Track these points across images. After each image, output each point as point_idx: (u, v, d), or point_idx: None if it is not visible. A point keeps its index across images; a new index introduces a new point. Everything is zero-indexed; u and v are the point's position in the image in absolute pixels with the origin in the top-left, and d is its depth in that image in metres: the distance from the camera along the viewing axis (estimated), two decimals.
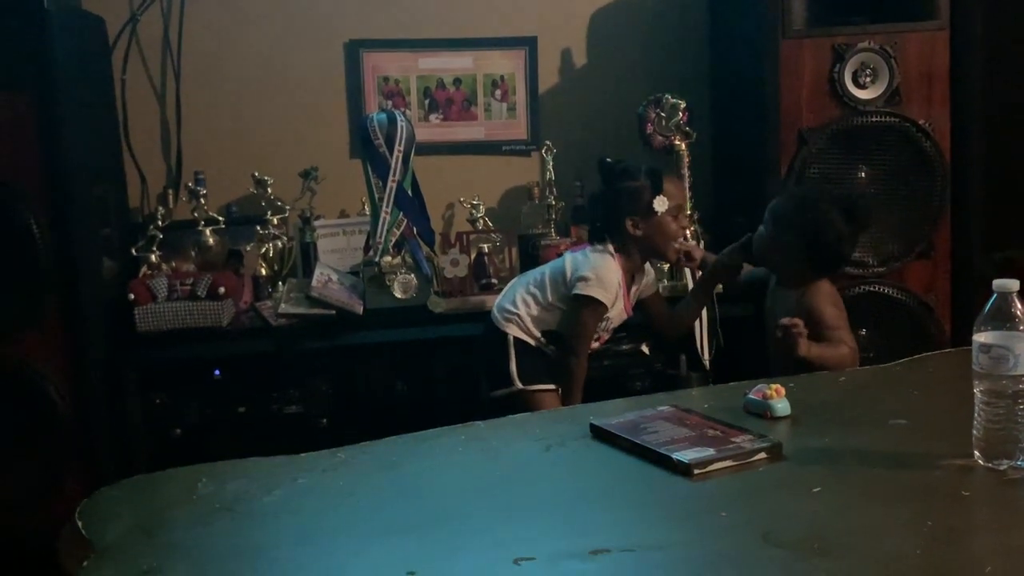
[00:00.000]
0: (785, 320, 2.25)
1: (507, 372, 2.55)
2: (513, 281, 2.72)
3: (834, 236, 2.37)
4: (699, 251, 2.69)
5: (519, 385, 2.54)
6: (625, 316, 2.64)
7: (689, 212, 2.89)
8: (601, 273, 2.51)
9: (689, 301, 2.73)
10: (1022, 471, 1.37)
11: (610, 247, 2.56)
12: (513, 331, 2.57)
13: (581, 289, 2.51)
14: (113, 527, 1.34)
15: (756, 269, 2.64)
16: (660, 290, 2.77)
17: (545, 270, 2.64)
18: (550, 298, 2.56)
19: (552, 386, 2.58)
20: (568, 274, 2.55)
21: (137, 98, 3.20)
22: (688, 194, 2.90)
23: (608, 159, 2.64)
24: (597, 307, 2.51)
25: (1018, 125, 3.31)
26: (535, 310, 2.57)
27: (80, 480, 2.65)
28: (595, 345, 2.63)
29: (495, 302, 2.67)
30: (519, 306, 2.58)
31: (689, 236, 2.81)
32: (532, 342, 2.57)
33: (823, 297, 2.41)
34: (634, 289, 2.64)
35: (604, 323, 2.58)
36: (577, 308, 2.53)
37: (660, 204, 2.52)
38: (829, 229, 2.37)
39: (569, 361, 2.55)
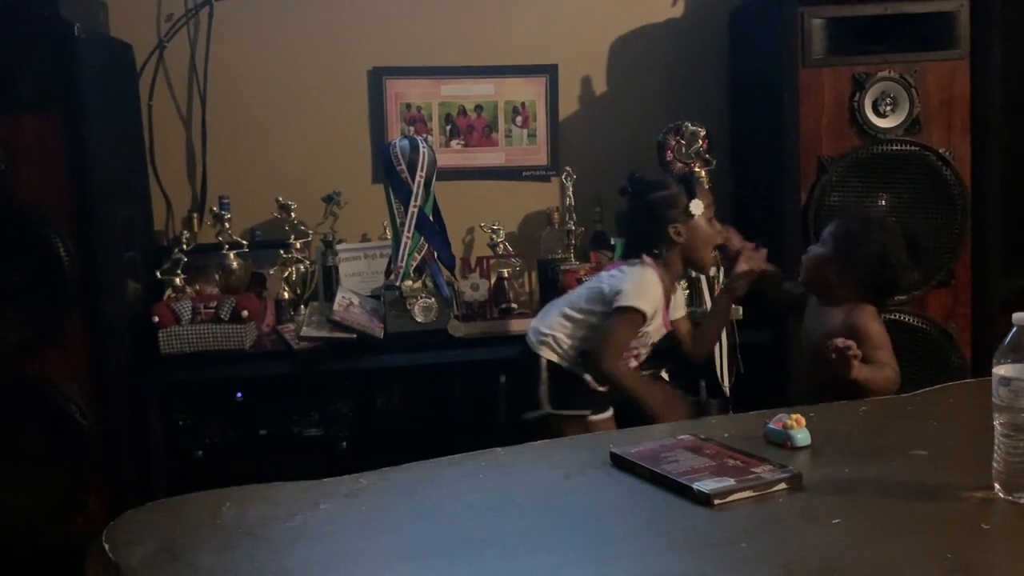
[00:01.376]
0: (839, 341, 2.20)
1: (537, 395, 2.53)
2: (548, 304, 2.70)
3: (898, 263, 2.36)
4: (737, 237, 2.65)
5: (548, 409, 2.52)
6: (664, 331, 2.60)
7: None
8: (641, 286, 2.49)
9: (709, 319, 2.72)
10: None
11: (647, 260, 2.54)
12: (546, 354, 2.54)
13: (623, 300, 2.46)
14: (139, 550, 1.35)
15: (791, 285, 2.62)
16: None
17: (581, 291, 2.62)
18: (588, 319, 2.53)
19: (585, 412, 2.53)
20: (607, 291, 2.52)
21: (163, 123, 3.25)
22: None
23: (637, 172, 2.65)
24: (634, 315, 2.47)
25: None
26: (571, 331, 2.53)
27: (102, 499, 2.68)
28: (633, 364, 2.58)
29: (530, 324, 2.65)
30: (555, 328, 2.55)
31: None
32: (566, 365, 2.54)
33: (870, 315, 2.37)
34: (672, 302, 2.63)
35: (643, 337, 2.54)
36: (615, 318, 2.47)
37: (697, 207, 2.53)
38: (894, 256, 2.35)
39: (600, 370, 2.48)
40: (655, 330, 2.56)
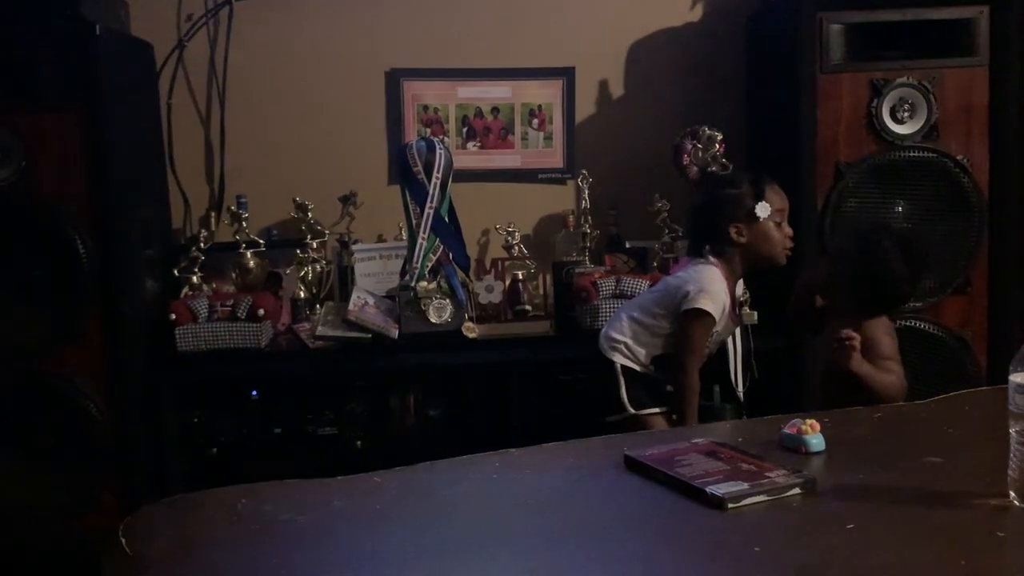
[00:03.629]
0: (844, 332, 2.23)
1: (618, 398, 2.55)
2: (618, 309, 2.71)
3: (892, 275, 2.35)
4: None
5: (631, 411, 2.54)
6: (733, 326, 2.63)
7: None
8: (707, 285, 2.49)
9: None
10: None
11: (711, 259, 2.54)
12: (619, 359, 2.56)
13: (689, 303, 2.48)
14: (156, 544, 1.36)
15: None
16: None
17: (649, 295, 2.64)
18: (657, 322, 2.54)
19: (662, 408, 2.56)
20: (673, 293, 2.53)
21: (182, 122, 3.27)
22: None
23: (712, 169, 2.63)
24: (706, 319, 2.48)
25: None
26: (643, 336, 2.55)
27: (117, 495, 2.70)
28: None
29: (602, 331, 2.65)
30: (626, 334, 2.57)
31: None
32: (639, 368, 2.56)
33: (881, 326, 2.38)
34: (737, 295, 2.62)
35: (713, 335, 2.56)
36: (686, 323, 2.50)
37: (763, 210, 2.51)
38: (887, 268, 2.35)
39: (679, 378, 2.52)
40: (723, 327, 2.58)
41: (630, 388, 2.56)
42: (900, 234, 2.47)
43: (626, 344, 2.57)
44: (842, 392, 2.26)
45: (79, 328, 2.66)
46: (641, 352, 2.56)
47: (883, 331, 2.37)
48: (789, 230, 2.57)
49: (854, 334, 2.23)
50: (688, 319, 2.50)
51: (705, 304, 2.48)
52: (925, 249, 2.49)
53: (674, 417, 2.55)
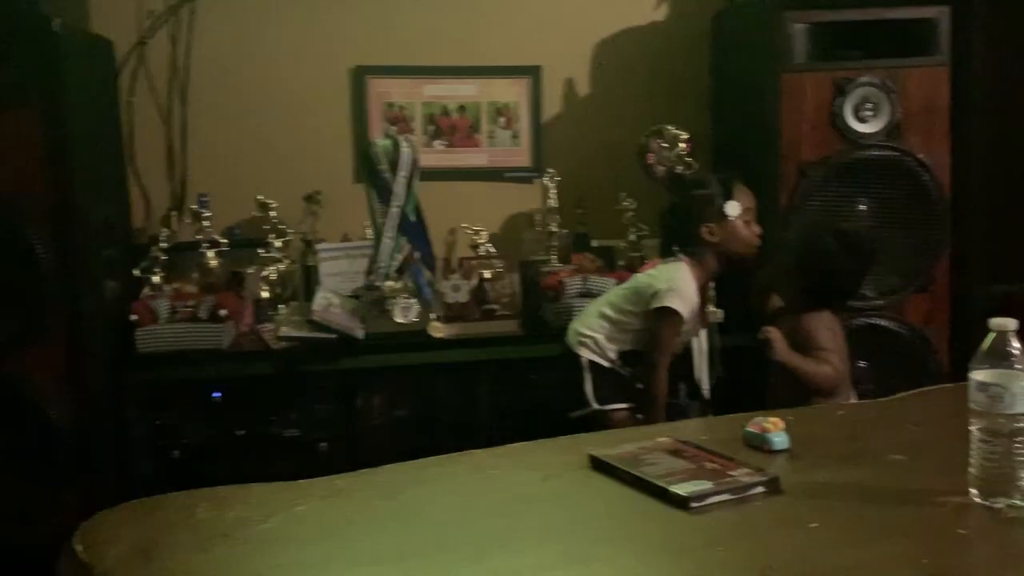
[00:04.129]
0: (764, 329, 2.39)
1: (583, 393, 2.56)
2: (589, 305, 2.73)
3: (833, 270, 2.41)
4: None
5: (595, 406, 2.56)
6: (700, 326, 2.67)
7: None
8: (677, 284, 2.53)
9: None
10: (1019, 510, 1.37)
11: (682, 257, 2.59)
12: (586, 354, 2.58)
13: (659, 302, 2.51)
14: (112, 551, 1.34)
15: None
16: None
17: (619, 293, 2.66)
18: (626, 318, 2.58)
19: (627, 405, 2.58)
20: (643, 291, 2.56)
21: (143, 120, 3.23)
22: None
23: (679, 171, 2.70)
24: (675, 318, 2.52)
25: (1017, 160, 3.34)
26: (610, 332, 2.58)
27: (79, 498, 2.65)
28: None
29: (571, 326, 2.67)
30: (594, 329, 2.59)
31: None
32: (606, 364, 2.58)
33: (819, 320, 2.46)
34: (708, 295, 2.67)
35: (681, 334, 2.60)
36: (656, 321, 2.54)
37: (732, 209, 2.56)
38: (829, 263, 2.42)
39: (648, 376, 2.55)
40: (691, 328, 2.62)
41: (596, 383, 2.57)
42: (844, 231, 2.54)
43: (594, 339, 2.59)
44: (786, 382, 2.40)
45: (39, 329, 2.61)
46: (609, 348, 2.58)
47: (823, 325, 2.46)
48: (758, 228, 2.62)
49: (771, 329, 2.38)
50: (658, 317, 2.53)
51: (675, 303, 2.51)
52: (870, 246, 2.54)
53: (638, 416, 2.56)
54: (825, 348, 2.42)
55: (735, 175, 2.67)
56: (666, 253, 2.66)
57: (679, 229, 2.63)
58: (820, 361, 2.40)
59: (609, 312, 2.60)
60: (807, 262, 2.46)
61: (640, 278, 2.63)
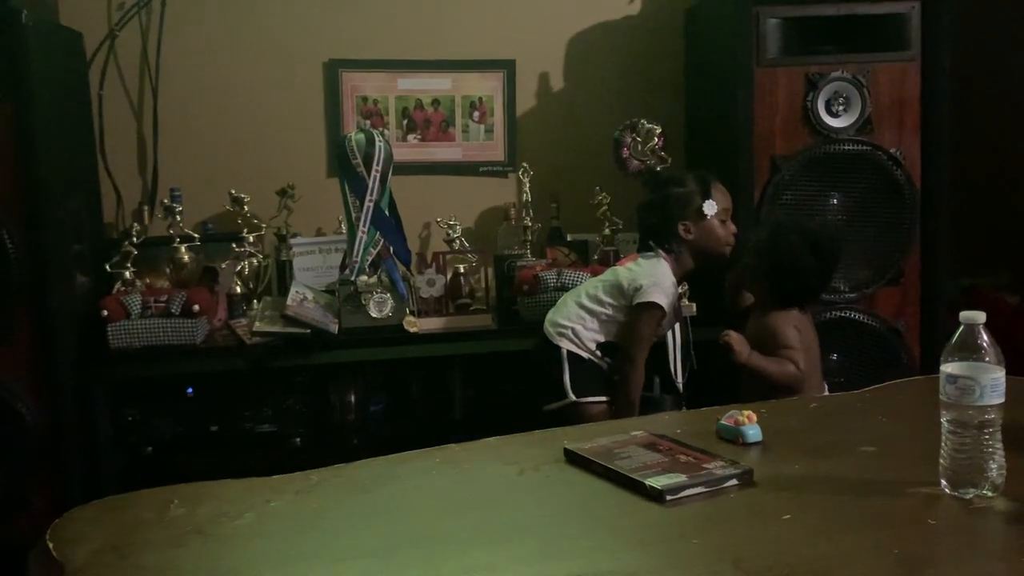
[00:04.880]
0: (722, 333, 2.41)
1: (561, 385, 2.56)
2: (565, 296, 2.72)
3: (798, 268, 2.44)
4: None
5: (572, 397, 2.56)
6: (675, 321, 2.69)
7: None
8: (659, 279, 2.55)
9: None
10: (987, 500, 1.39)
11: (661, 254, 2.61)
12: (566, 345, 2.58)
13: (642, 297, 2.53)
14: (84, 548, 1.33)
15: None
16: None
17: (598, 284, 2.65)
18: (606, 310, 2.58)
19: (604, 398, 2.58)
20: (625, 286, 2.57)
21: (114, 114, 3.19)
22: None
23: (657, 168, 2.73)
24: (657, 312, 2.54)
25: (986, 154, 3.38)
26: (590, 323, 2.58)
27: (49, 496, 2.64)
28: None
29: (547, 316, 2.67)
30: (573, 320, 2.59)
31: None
32: (585, 355, 2.58)
33: (785, 319, 2.49)
34: (681, 291, 2.69)
35: (659, 329, 2.61)
36: (638, 315, 2.55)
37: (709, 208, 2.59)
38: (793, 261, 2.44)
39: (625, 368, 2.56)
40: (667, 322, 2.63)
41: (573, 375, 2.57)
42: (809, 228, 2.55)
43: (573, 330, 2.59)
44: (751, 381, 2.42)
45: (7, 325, 2.59)
46: (588, 338, 2.58)
47: (788, 323, 2.48)
48: (733, 227, 2.66)
49: (730, 333, 2.41)
50: (640, 312, 2.55)
51: (658, 298, 2.53)
52: (836, 244, 2.56)
53: (613, 408, 2.57)
54: (789, 346, 2.43)
55: (712, 174, 2.69)
56: (644, 248, 2.66)
57: (656, 225, 2.64)
58: (783, 360, 2.42)
59: (588, 303, 2.60)
60: (772, 261, 2.48)
61: (621, 272, 2.63)
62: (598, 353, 2.59)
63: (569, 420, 2.28)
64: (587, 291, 2.65)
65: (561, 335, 2.60)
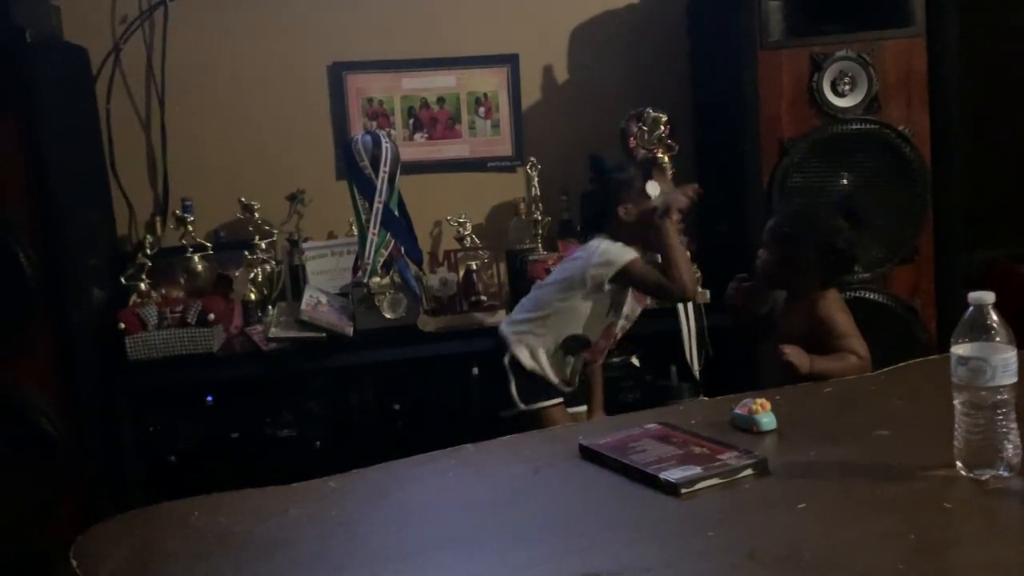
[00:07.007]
0: (784, 348, 2.18)
1: (508, 395, 2.56)
2: (522, 300, 2.71)
3: (843, 241, 2.34)
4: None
5: (521, 407, 2.55)
6: (637, 306, 2.66)
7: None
8: (613, 248, 2.53)
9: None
10: (1003, 481, 1.39)
11: (604, 238, 2.58)
12: (519, 351, 2.56)
13: (613, 267, 2.50)
14: (108, 564, 1.34)
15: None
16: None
17: (550, 287, 2.62)
18: (562, 305, 2.56)
19: (556, 400, 2.58)
20: (585, 272, 2.53)
21: (122, 126, 3.21)
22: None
23: (597, 154, 2.69)
24: (635, 261, 2.52)
25: (995, 127, 3.35)
26: (543, 324, 2.56)
27: (74, 508, 2.67)
28: (602, 344, 2.63)
29: (502, 322, 2.67)
30: (523, 325, 2.59)
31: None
32: (530, 364, 2.56)
33: (833, 305, 2.33)
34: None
35: (622, 314, 2.60)
36: (630, 277, 2.53)
37: (652, 188, 2.57)
38: (837, 236, 2.33)
39: (684, 295, 2.57)
40: (631, 309, 2.61)
41: (519, 383, 2.56)
42: (836, 202, 2.49)
43: (525, 335, 2.57)
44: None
45: (27, 339, 2.62)
46: (542, 340, 2.56)
47: (835, 309, 2.33)
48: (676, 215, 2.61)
49: (787, 347, 2.17)
50: (626, 275, 2.51)
51: (623, 255, 2.50)
52: (863, 204, 2.49)
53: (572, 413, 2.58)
54: (846, 335, 2.27)
55: (655, 159, 2.70)
56: (585, 239, 2.64)
57: (598, 211, 2.62)
58: (844, 355, 2.24)
59: (543, 307, 2.58)
60: (814, 240, 2.30)
61: (574, 265, 2.59)
62: (562, 352, 2.56)
63: (526, 426, 2.24)
64: (539, 295, 2.62)
65: (513, 342, 2.58)
